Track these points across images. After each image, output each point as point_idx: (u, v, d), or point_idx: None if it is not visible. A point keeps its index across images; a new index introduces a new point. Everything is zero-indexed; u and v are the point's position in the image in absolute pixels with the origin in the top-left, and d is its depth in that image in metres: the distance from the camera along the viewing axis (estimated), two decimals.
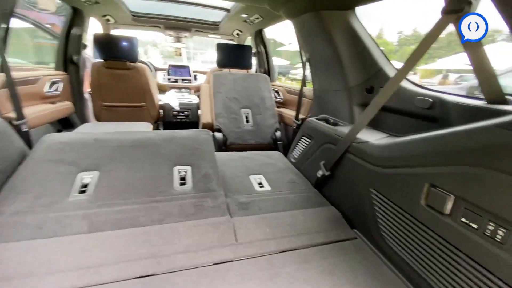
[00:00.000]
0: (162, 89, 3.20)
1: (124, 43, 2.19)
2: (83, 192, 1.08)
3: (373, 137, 1.11)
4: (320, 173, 1.34)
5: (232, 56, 2.39)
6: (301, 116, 1.96)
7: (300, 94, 1.94)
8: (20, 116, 1.44)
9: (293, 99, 2.20)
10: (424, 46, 0.84)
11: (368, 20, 1.37)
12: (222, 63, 2.38)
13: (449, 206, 0.71)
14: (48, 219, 0.94)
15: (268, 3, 1.61)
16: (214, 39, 3.30)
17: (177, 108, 2.63)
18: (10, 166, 1.11)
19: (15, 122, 1.41)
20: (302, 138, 1.68)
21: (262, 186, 1.39)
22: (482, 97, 0.84)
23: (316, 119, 1.60)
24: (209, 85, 2.23)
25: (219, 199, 1.15)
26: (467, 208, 0.67)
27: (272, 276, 0.84)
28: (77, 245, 0.86)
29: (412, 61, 0.89)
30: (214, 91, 2.12)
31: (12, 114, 1.43)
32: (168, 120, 2.68)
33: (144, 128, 2.08)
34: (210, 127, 2.01)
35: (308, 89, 1.98)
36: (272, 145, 2.13)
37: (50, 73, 2.01)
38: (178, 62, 3.66)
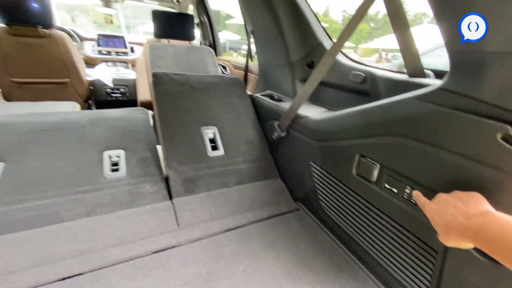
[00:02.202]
0: (91, 63, 2.77)
1: (33, 4, 1.77)
2: None
3: (312, 112, 1.13)
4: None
5: (172, 26, 2.15)
6: (248, 92, 1.91)
7: (246, 69, 1.87)
8: None
9: (241, 75, 2.12)
10: (355, 20, 0.86)
11: None
12: (160, 33, 2.14)
13: (375, 174, 0.77)
14: None
15: None
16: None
17: (110, 84, 2.32)
18: None
19: None
20: None
21: (215, 148, 1.25)
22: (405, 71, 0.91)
23: (262, 95, 1.58)
24: (146, 58, 2.00)
25: (159, 183, 1.07)
26: (390, 175, 0.73)
27: (215, 257, 0.82)
28: None
29: (345, 34, 0.90)
30: (152, 65, 1.90)
31: None
32: (101, 99, 2.35)
33: (69, 108, 1.78)
34: (150, 105, 1.83)
35: (255, 64, 1.92)
36: None
37: None
38: (110, 32, 3.18)
